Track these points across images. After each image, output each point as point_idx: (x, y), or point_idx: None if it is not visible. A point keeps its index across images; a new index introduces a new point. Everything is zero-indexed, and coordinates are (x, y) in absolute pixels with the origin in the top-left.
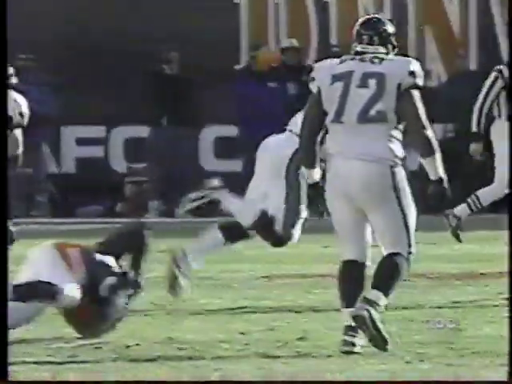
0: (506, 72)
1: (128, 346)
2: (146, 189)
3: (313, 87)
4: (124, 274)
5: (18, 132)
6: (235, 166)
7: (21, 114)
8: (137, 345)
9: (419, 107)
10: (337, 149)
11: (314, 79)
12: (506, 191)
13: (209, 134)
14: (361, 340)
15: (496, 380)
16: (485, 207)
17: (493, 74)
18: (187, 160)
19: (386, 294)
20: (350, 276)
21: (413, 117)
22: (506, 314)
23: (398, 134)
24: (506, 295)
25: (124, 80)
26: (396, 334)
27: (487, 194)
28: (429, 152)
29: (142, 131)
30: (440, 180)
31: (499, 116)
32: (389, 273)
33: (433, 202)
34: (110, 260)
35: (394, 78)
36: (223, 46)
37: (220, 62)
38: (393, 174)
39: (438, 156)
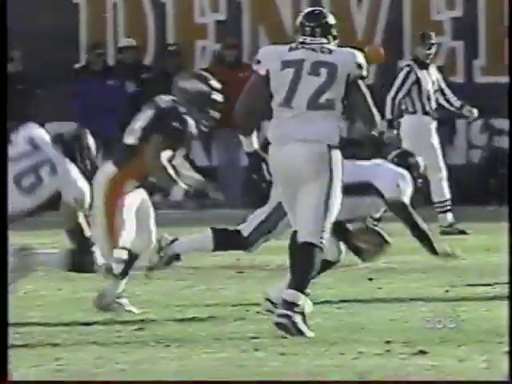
0: (415, 67)
1: None
2: None
3: (259, 69)
4: None
5: None
6: None
7: None
8: None
9: (367, 95)
10: (282, 133)
11: (260, 62)
12: (444, 175)
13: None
14: None
15: (496, 380)
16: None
17: (405, 69)
18: None
19: (304, 291)
20: (305, 259)
21: (363, 103)
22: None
23: (341, 120)
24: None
25: None
26: (233, 324)
27: (440, 191)
28: (373, 126)
29: None
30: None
31: (413, 112)
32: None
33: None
34: None
35: (344, 68)
36: (63, 44)
37: (60, 61)
38: (329, 154)
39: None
